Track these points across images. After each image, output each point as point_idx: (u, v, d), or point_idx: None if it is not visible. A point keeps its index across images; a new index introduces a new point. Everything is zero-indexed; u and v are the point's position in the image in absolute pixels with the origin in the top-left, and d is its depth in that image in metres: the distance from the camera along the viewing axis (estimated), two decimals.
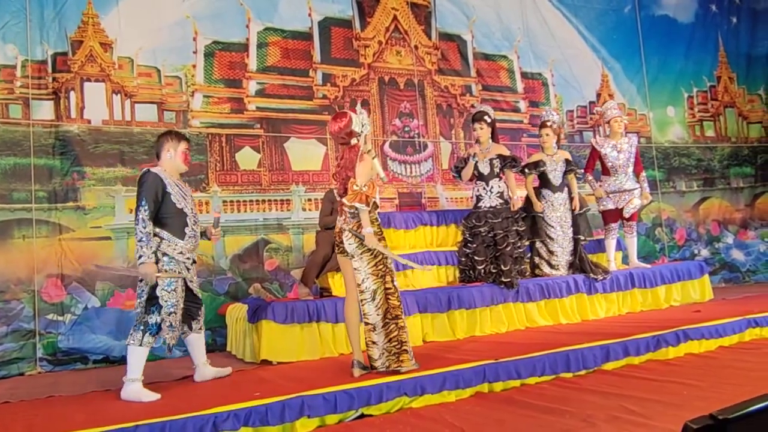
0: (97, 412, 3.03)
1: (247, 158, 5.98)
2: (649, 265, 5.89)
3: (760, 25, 9.37)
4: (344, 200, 3.39)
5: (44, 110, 5.20)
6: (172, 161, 3.64)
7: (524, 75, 7.69)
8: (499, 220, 5.04)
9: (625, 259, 6.04)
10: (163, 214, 3.49)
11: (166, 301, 3.41)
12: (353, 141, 3.48)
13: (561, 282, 5.24)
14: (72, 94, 5.30)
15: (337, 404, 2.96)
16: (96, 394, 3.64)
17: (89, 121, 5.34)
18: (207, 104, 5.86)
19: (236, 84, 6.01)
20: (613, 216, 5.65)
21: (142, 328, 3.35)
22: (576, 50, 8.07)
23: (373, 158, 3.39)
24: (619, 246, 5.97)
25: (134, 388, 3.27)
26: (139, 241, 3.34)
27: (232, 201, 5.84)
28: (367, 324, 3.41)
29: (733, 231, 8.52)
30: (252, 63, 6.10)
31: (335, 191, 3.63)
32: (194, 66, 5.83)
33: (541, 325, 5.07)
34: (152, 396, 3.24)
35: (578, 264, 5.39)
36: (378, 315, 3.39)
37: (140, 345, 3.33)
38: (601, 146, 5.65)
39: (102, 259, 5.20)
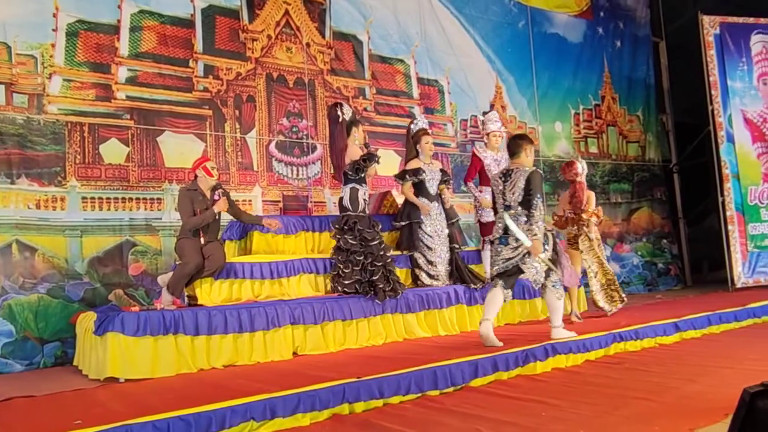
0: None
1: (114, 151, 5.43)
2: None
3: (640, 51, 9.97)
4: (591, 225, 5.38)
5: None
6: (529, 160, 4.32)
7: (420, 81, 7.63)
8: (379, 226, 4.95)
9: None
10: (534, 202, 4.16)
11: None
12: (578, 179, 5.46)
13: (441, 293, 5.16)
14: None
15: None
16: None
17: None
18: (67, 89, 5.26)
19: (103, 69, 5.45)
20: (489, 228, 5.65)
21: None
22: (472, 60, 8.13)
23: None
24: None
25: (564, 332, 4.26)
26: (536, 223, 4.12)
27: (93, 198, 5.28)
28: None
29: (611, 244, 8.94)
30: (123, 47, 5.56)
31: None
32: (53, 45, 5.22)
33: (419, 336, 4.96)
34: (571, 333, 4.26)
35: (457, 274, 5.35)
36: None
37: (560, 299, 4.31)
38: (484, 156, 5.65)
39: None
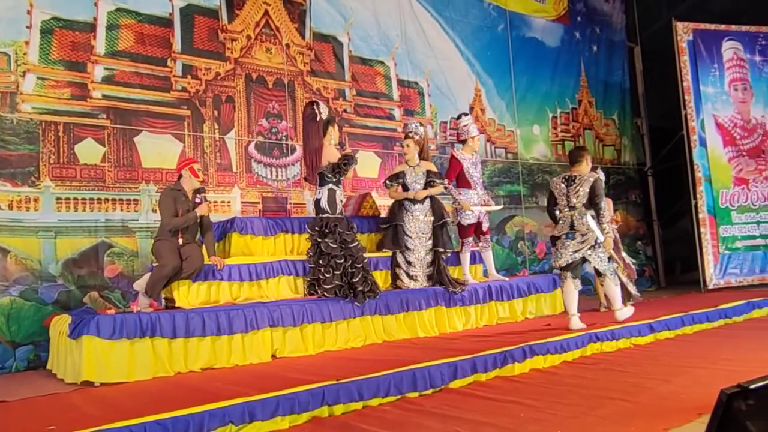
0: None
1: (90, 151, 5.35)
2: (507, 278, 6.02)
3: (615, 55, 10.14)
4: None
5: None
6: (588, 168, 5.02)
7: (401, 83, 7.65)
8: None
9: (486, 273, 6.12)
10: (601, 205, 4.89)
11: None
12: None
13: (420, 294, 5.17)
14: None
15: None
16: None
17: None
18: (42, 87, 5.17)
19: (79, 67, 5.36)
20: (469, 230, 5.69)
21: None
22: (452, 62, 8.18)
23: None
24: (474, 260, 6.02)
25: (626, 311, 4.98)
26: (607, 222, 4.86)
27: (68, 198, 5.19)
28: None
29: None
30: (99, 46, 5.48)
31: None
32: (27, 43, 5.12)
33: (399, 338, 4.97)
34: (630, 311, 5.01)
35: (437, 276, 5.37)
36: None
37: (617, 285, 4.96)
38: (464, 159, 5.69)
39: None
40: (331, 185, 4.99)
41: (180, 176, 4.66)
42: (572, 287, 4.89)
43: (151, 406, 2.85)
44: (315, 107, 5.03)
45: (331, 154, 4.97)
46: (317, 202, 5.02)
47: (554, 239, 5.09)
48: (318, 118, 4.98)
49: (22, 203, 4.98)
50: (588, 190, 4.85)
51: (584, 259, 4.89)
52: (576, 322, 4.76)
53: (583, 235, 4.83)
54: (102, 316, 3.88)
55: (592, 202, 4.85)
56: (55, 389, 3.69)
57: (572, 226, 4.87)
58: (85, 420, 2.67)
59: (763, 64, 8.89)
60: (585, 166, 5.00)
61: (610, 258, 4.92)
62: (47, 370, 4.46)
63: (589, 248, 4.83)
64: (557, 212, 5.05)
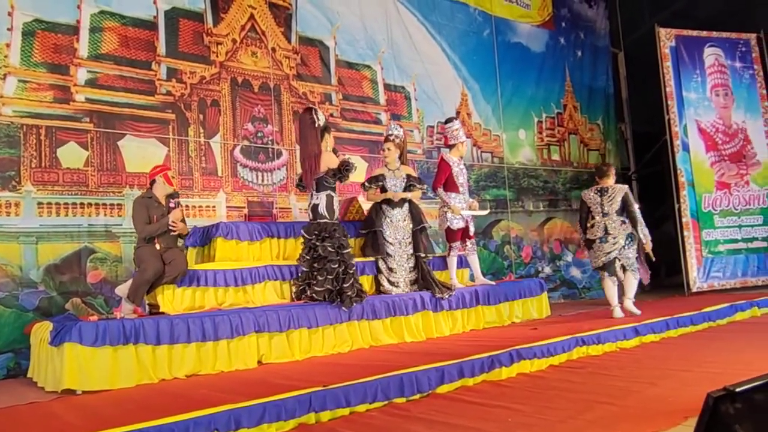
0: None
1: (72, 155, 5.27)
2: (493, 282, 6.02)
3: (600, 61, 10.23)
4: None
5: None
6: (614, 180, 5.75)
7: (387, 87, 7.64)
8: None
9: (472, 277, 6.13)
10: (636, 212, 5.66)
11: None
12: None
13: (407, 299, 5.16)
14: None
15: None
16: None
17: None
18: (23, 90, 5.09)
19: (62, 70, 5.29)
20: (457, 234, 5.69)
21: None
22: (439, 67, 8.20)
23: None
24: (460, 264, 6.01)
25: (619, 312, 5.46)
26: (645, 227, 5.62)
27: (50, 203, 5.11)
28: None
29: (572, 250, 9.12)
30: (82, 48, 5.41)
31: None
32: (8, 45, 5.05)
33: (385, 343, 4.95)
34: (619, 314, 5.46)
35: (422, 282, 5.36)
36: None
37: (637, 279, 5.62)
38: (453, 163, 5.69)
39: None
40: (329, 191, 4.99)
41: (153, 183, 4.64)
42: (610, 283, 5.58)
43: (135, 414, 2.80)
44: (313, 113, 5.05)
45: (330, 160, 4.98)
46: (315, 207, 4.98)
47: (589, 243, 5.67)
48: (316, 125, 5.00)
49: (3, 208, 4.89)
50: (620, 200, 5.58)
51: (616, 258, 5.51)
52: (618, 312, 5.43)
53: (614, 238, 5.51)
54: (84, 323, 3.82)
55: (627, 210, 5.59)
56: (35, 398, 3.62)
57: (606, 230, 5.54)
58: (66, 429, 2.63)
59: (743, 71, 9.03)
60: (612, 179, 5.73)
61: (637, 259, 5.58)
62: (28, 378, 4.37)
63: (620, 249, 5.49)
64: (588, 221, 5.72)
